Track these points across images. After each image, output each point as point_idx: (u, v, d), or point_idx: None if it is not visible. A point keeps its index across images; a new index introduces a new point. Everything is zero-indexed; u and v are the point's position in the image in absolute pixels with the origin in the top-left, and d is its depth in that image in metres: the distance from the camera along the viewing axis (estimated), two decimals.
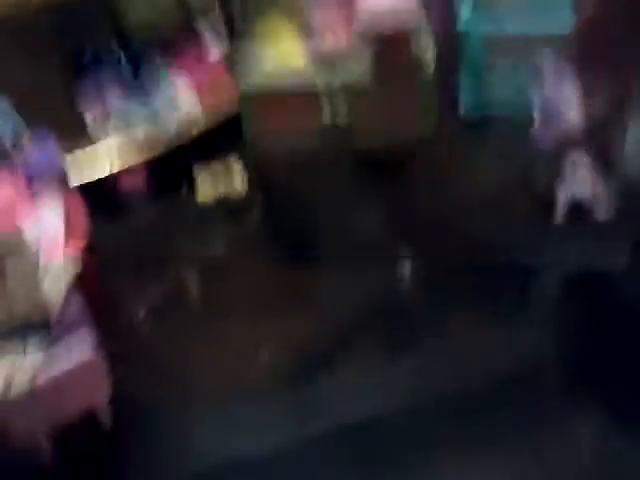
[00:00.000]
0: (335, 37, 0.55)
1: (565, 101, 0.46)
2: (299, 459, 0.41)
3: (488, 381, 0.41)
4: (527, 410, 0.40)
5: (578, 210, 0.48)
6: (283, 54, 0.57)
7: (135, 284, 0.53)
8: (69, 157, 0.52)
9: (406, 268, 0.50)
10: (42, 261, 0.40)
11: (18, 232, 0.41)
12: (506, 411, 0.40)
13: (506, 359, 0.42)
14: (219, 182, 0.58)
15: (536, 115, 0.49)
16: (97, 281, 0.45)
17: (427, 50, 0.56)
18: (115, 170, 0.58)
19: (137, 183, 0.59)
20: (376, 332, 0.47)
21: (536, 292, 0.46)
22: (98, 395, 0.39)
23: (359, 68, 0.55)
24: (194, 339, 0.48)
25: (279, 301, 0.51)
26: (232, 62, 0.60)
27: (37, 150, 0.45)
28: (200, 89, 0.66)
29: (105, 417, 0.40)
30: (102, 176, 0.58)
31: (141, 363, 0.46)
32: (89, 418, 0.39)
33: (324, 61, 0.56)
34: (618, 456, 0.38)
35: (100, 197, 0.58)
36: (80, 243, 0.43)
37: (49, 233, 0.42)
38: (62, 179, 0.45)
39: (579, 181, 0.48)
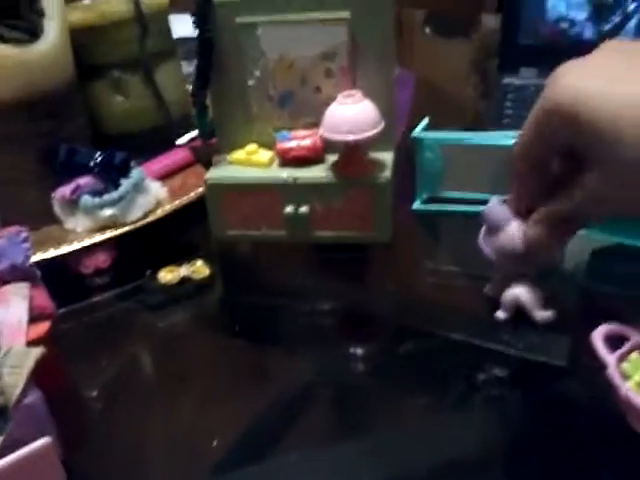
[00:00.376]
0: (300, 145, 0.58)
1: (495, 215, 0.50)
2: None
3: (439, 464, 0.42)
4: None
5: (521, 310, 0.51)
6: (250, 152, 0.60)
7: (91, 363, 0.53)
8: (34, 235, 0.53)
9: (361, 354, 0.52)
10: (3, 347, 0.41)
11: None
12: None
13: (454, 444, 0.44)
14: (182, 264, 0.59)
15: (482, 226, 0.52)
16: (57, 365, 0.46)
17: (385, 154, 0.59)
18: (78, 248, 0.59)
19: (100, 262, 0.60)
20: (329, 416, 0.49)
21: (483, 383, 0.48)
22: None
23: (322, 168, 0.58)
24: (148, 419, 0.49)
25: (235, 381, 0.52)
26: (199, 151, 0.64)
27: (8, 240, 0.46)
28: (167, 173, 0.69)
29: None
30: (65, 253, 0.58)
31: (94, 444, 0.47)
32: None
33: (289, 162, 0.59)
34: None
35: (62, 275, 0.59)
36: (43, 329, 0.44)
37: (13, 320, 0.43)
38: (30, 269, 0.46)
39: (520, 287, 0.51)
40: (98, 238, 0.59)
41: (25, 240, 0.47)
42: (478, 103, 1.00)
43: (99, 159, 0.60)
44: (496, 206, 0.49)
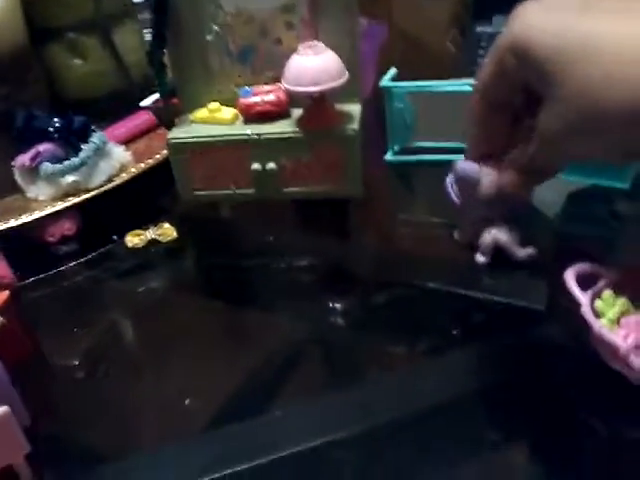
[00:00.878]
0: (264, 100, 0.57)
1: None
2: None
3: (425, 410, 0.42)
4: (461, 438, 0.41)
5: (500, 252, 0.51)
6: (213, 109, 0.58)
7: (67, 332, 0.52)
8: None
9: (341, 308, 0.51)
10: None
11: None
12: (444, 440, 0.41)
13: (438, 390, 0.43)
14: (149, 228, 0.58)
15: (450, 172, 0.51)
16: (19, 334, 0.45)
17: (352, 106, 0.57)
18: (43, 217, 0.57)
19: (65, 229, 0.59)
20: (313, 370, 0.48)
21: (467, 326, 0.48)
22: (15, 451, 0.38)
23: (287, 123, 0.57)
24: (129, 384, 0.48)
25: (217, 342, 0.51)
26: (161, 113, 0.62)
27: None
28: (130, 137, 0.67)
29: (25, 474, 0.39)
30: (29, 222, 0.57)
31: (66, 410, 0.46)
32: (8, 476, 0.38)
33: (254, 118, 0.57)
34: None
35: (28, 244, 0.57)
36: (1, 299, 0.43)
37: None
38: None
39: (497, 228, 0.50)
40: (61, 205, 0.58)
41: None
42: (456, 56, 0.99)
43: (58, 124, 0.58)
44: (465, 164, 0.48)
